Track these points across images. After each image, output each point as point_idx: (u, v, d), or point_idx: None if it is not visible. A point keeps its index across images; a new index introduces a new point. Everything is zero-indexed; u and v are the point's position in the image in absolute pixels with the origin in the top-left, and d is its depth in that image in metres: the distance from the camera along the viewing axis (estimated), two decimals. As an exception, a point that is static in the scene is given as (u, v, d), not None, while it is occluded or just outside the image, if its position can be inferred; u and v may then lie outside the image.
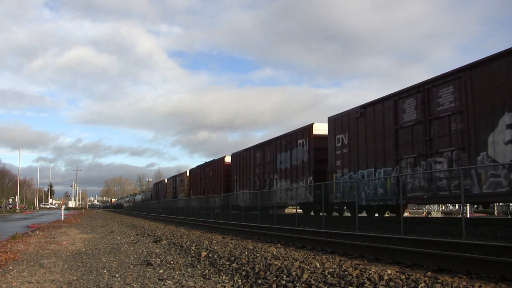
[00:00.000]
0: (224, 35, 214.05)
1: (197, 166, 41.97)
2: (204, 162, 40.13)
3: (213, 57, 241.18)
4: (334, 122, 19.13)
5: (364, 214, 20.82)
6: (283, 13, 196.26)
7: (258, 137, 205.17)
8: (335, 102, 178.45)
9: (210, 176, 37.01)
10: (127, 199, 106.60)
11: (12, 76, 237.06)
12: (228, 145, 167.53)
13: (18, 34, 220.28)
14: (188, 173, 44.94)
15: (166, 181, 57.51)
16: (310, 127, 21.26)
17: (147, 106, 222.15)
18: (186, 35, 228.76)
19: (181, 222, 24.84)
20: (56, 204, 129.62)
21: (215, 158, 36.61)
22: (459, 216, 24.32)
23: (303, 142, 21.67)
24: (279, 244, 11.38)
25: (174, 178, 52.07)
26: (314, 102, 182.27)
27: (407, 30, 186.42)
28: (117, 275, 7.58)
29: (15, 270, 8.16)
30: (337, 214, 23.84)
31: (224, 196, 31.36)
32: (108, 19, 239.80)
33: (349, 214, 21.81)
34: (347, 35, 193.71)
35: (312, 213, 24.35)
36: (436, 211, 53.01)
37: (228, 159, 33.21)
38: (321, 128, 20.90)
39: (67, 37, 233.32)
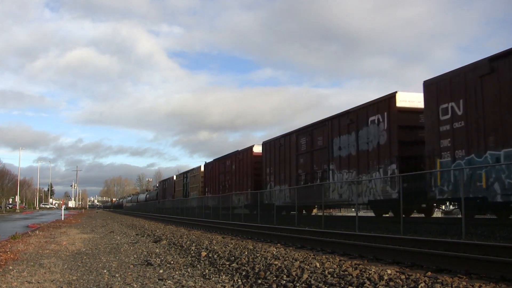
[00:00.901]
0: (224, 35, 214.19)
1: (214, 160, 36.48)
2: (223, 155, 34.45)
3: (213, 57, 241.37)
4: (437, 86, 13.80)
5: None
6: (284, 13, 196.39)
7: (259, 137, 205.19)
8: (336, 102, 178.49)
9: (233, 171, 31.50)
10: (129, 198, 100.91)
11: (13, 76, 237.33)
12: (228, 145, 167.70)
13: (18, 34, 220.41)
14: (202, 168, 39.72)
15: (175, 178, 52.17)
16: (391, 97, 15.94)
17: (147, 106, 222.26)
18: (186, 35, 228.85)
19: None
20: (56, 204, 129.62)
21: (239, 149, 31.09)
22: (459, 216, 24.28)
23: (378, 119, 16.47)
24: (279, 244, 11.38)
25: (184, 175, 46.56)
26: (315, 102, 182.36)
27: (408, 30, 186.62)
28: (117, 275, 7.58)
29: (15, 270, 8.16)
30: (439, 215, 20.04)
31: (252, 194, 26.40)
32: (108, 19, 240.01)
33: (459, 216, 17.16)
34: (348, 35, 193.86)
35: (388, 214, 19.20)
36: (436, 211, 52.93)
37: (257, 149, 27.96)
38: (406, 99, 15.86)
39: (67, 37, 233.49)
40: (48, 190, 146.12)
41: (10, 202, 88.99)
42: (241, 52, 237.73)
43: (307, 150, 21.68)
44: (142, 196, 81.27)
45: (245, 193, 28.10)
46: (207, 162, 38.81)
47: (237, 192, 29.47)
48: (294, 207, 21.30)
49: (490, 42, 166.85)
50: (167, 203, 51.33)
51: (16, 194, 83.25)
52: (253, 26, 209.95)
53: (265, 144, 26.76)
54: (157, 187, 73.32)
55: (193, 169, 43.46)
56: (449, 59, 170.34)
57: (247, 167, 29.05)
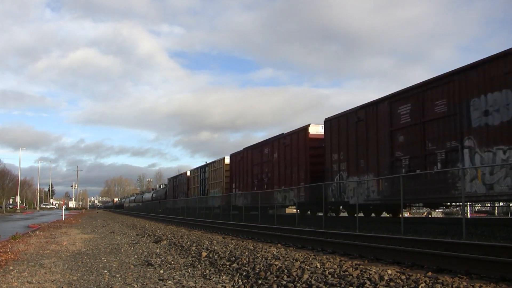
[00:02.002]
0: (225, 35, 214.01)
1: (245, 149, 30.30)
2: (259, 142, 28.39)
3: (213, 57, 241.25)
4: None
5: None
6: (284, 13, 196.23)
7: (260, 137, 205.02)
8: (336, 102, 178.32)
9: (275, 160, 24.92)
10: (132, 198, 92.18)
11: (13, 76, 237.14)
12: (229, 145, 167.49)
13: (19, 34, 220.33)
14: (227, 160, 33.55)
15: (188, 174, 45.81)
16: None
17: (148, 106, 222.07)
18: (187, 36, 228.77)
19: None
20: (57, 204, 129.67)
21: (284, 133, 24.73)
22: (459, 216, 24.29)
23: None
24: (279, 244, 11.39)
25: (202, 169, 40.31)
26: (315, 102, 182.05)
27: (408, 30, 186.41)
28: (117, 275, 7.59)
29: (15, 270, 8.16)
30: None
31: (310, 189, 20.32)
32: (109, 20, 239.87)
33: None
34: (348, 35, 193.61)
35: None
36: (436, 211, 52.96)
37: (315, 129, 21.77)
38: None
39: (68, 37, 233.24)
40: (49, 190, 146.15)
41: (11, 202, 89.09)
42: (242, 52, 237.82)
43: (412, 122, 15.15)
44: (147, 196, 74.08)
45: (298, 188, 21.67)
46: (233, 152, 32.54)
47: (286, 188, 22.90)
48: (385, 206, 16.93)
49: (490, 42, 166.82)
50: (179, 202, 45.02)
51: (17, 195, 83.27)
52: (253, 26, 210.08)
53: (329, 122, 20.15)
54: (165, 185, 64.53)
55: (213, 162, 37.08)
56: (449, 59, 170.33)
57: (299, 154, 22.31)
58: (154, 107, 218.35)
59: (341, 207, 21.51)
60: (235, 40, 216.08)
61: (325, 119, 20.58)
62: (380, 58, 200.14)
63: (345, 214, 22.44)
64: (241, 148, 31.20)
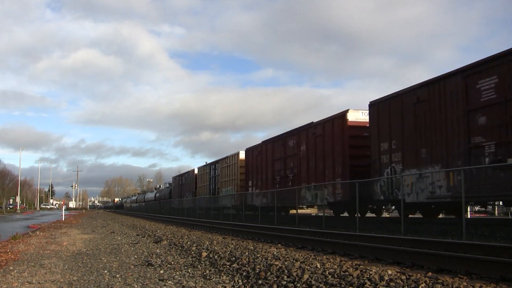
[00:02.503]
0: (225, 35, 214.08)
1: (263, 142, 27.16)
2: (281, 133, 24.96)
3: (214, 57, 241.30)
4: None
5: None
6: (284, 13, 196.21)
7: (260, 137, 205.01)
8: (336, 102, 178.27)
9: (302, 154, 21.71)
10: (134, 198, 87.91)
11: (13, 76, 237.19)
12: (229, 145, 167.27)
13: (19, 34, 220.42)
14: (242, 155, 30.41)
15: (196, 171, 42.20)
16: None
17: (149, 106, 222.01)
18: (187, 36, 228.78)
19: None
20: (57, 205, 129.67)
21: (313, 121, 21.42)
22: (388, 215, 24.15)
23: None
24: (279, 245, 11.38)
25: (212, 166, 37.04)
26: (316, 103, 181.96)
27: (408, 31, 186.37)
28: (117, 276, 7.59)
29: (15, 271, 8.17)
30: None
31: (350, 185, 17.03)
32: (109, 20, 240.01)
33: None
34: (348, 35, 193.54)
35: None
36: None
37: (354, 115, 18.58)
38: None
39: (68, 37, 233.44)
40: (49, 190, 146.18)
41: (11, 202, 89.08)
42: (242, 52, 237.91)
43: (499, 99, 12.03)
44: (150, 195, 69.84)
45: (332, 185, 18.74)
46: (249, 147, 29.46)
47: (317, 185, 19.75)
48: (454, 204, 14.14)
49: (490, 42, 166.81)
50: (186, 202, 41.88)
51: (17, 195, 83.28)
52: (253, 26, 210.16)
53: (376, 106, 16.98)
54: (169, 184, 60.33)
55: (226, 158, 33.72)
56: (449, 59, 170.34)
57: (335, 145, 19.19)
58: (155, 107, 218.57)
59: (393, 206, 18.55)
60: (236, 40, 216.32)
61: (371, 102, 17.33)
62: (380, 58, 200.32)
63: (383, 214, 20.44)
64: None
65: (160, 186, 79.77)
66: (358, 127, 18.56)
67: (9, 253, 10.63)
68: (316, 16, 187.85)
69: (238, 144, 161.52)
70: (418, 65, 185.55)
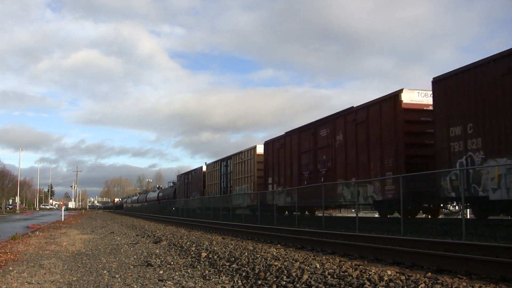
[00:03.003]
0: (225, 35, 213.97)
1: (286, 133, 24.08)
2: (309, 123, 21.77)
3: (214, 57, 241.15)
4: None
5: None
6: (284, 13, 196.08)
7: (261, 137, 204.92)
8: (337, 102, 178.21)
9: (338, 144, 19.05)
10: (135, 197, 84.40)
11: (14, 76, 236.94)
12: (230, 146, 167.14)
13: (19, 34, 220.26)
14: (259, 149, 27.44)
15: (204, 168, 39.08)
16: None
17: (149, 107, 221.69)
18: (187, 36, 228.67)
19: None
20: (56, 205, 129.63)
21: (353, 106, 18.56)
22: (459, 216, 24.19)
23: None
24: (279, 245, 11.38)
25: (223, 162, 33.83)
26: (316, 103, 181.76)
27: (408, 31, 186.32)
28: (117, 276, 7.59)
29: (15, 271, 8.16)
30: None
31: (405, 180, 13.95)
32: (109, 20, 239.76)
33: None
34: (348, 35, 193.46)
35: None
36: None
37: (409, 96, 15.88)
38: None
39: (69, 38, 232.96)
40: (48, 190, 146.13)
41: (10, 202, 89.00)
42: (242, 52, 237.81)
43: None
44: (152, 195, 66.20)
45: (380, 180, 15.98)
46: (268, 140, 26.49)
47: (362, 181, 16.74)
48: None
49: (490, 42, 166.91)
50: (193, 202, 39.08)
51: (16, 195, 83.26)
52: (253, 26, 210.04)
53: (442, 82, 14.22)
54: (173, 183, 56.43)
55: (239, 153, 30.62)
56: (449, 59, 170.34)
57: (384, 132, 16.43)
58: (155, 107, 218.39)
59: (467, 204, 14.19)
60: (236, 40, 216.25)
61: (434, 78, 14.50)
62: (380, 58, 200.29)
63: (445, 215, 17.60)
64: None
65: (160, 186, 78.18)
66: (414, 111, 15.79)
67: (8, 253, 10.62)
68: (316, 16, 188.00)
69: (239, 145, 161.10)
70: (418, 65, 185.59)
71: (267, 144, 26.56)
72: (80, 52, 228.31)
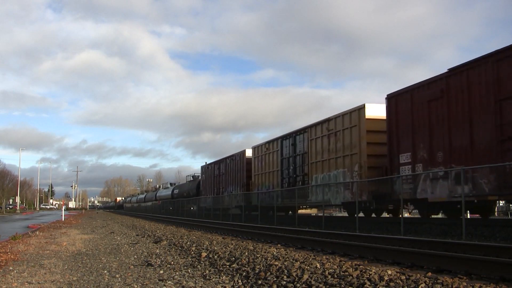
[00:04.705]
0: (226, 36, 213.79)
1: (441, 77, 14.14)
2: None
3: (214, 58, 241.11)
4: None
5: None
6: (285, 14, 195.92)
7: (261, 138, 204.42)
8: (337, 103, 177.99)
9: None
10: (142, 196, 75.12)
11: (14, 77, 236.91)
12: (231, 146, 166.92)
13: (20, 35, 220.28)
14: (376, 110, 17.47)
15: (249, 153, 29.09)
16: None
17: (150, 107, 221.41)
18: (188, 36, 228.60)
19: None
20: (57, 205, 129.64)
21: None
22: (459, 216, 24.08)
23: None
24: (279, 245, 11.39)
25: (289, 139, 23.68)
26: (317, 103, 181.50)
27: (409, 31, 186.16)
28: (117, 276, 7.59)
29: (15, 271, 8.16)
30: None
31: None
32: (110, 20, 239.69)
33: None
34: (349, 36, 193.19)
35: None
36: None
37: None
38: None
39: (69, 38, 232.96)
40: (49, 190, 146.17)
41: (11, 202, 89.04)
42: (243, 52, 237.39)
43: None
44: (164, 193, 55.80)
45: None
46: (391, 92, 16.28)
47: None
48: None
49: (491, 42, 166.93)
50: (230, 199, 29.67)
51: (17, 195, 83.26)
52: (254, 26, 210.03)
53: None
54: (193, 177, 47.15)
55: (325, 122, 20.05)
56: (450, 59, 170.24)
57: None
58: (156, 108, 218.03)
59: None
60: (236, 40, 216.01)
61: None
62: (381, 58, 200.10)
63: None
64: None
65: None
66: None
67: (8, 253, 10.62)
68: (316, 16, 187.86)
69: (240, 145, 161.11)
70: (418, 66, 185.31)
71: (393, 98, 16.26)
72: (81, 52, 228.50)
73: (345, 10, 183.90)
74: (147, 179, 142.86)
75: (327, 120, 20.05)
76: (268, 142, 26.43)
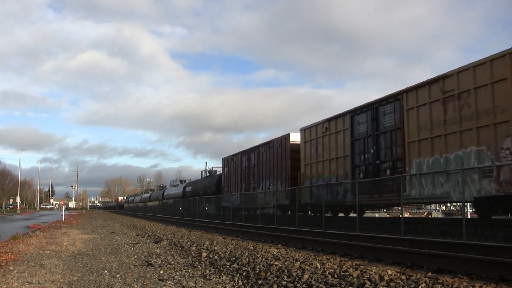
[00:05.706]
0: (227, 36, 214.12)
1: None
2: None
3: (215, 58, 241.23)
4: None
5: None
6: (285, 14, 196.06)
7: (262, 138, 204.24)
8: (337, 103, 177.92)
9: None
10: (146, 195, 69.88)
11: (15, 77, 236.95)
12: (232, 146, 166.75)
13: (20, 35, 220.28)
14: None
15: (297, 137, 22.52)
16: None
17: (151, 107, 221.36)
18: (188, 36, 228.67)
19: None
20: (57, 205, 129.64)
21: None
22: (459, 216, 24.16)
23: None
24: (279, 245, 11.38)
25: (360, 114, 17.83)
26: (317, 104, 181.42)
27: (409, 31, 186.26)
28: (117, 276, 7.59)
29: (15, 271, 8.16)
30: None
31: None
32: (111, 20, 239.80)
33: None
34: (349, 36, 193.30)
35: None
36: (436, 211, 53.07)
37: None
38: None
39: (70, 38, 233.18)
40: (49, 190, 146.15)
41: (11, 202, 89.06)
42: (243, 52, 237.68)
43: None
44: (174, 191, 50.09)
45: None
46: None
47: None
48: None
49: (491, 42, 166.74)
50: (268, 196, 24.19)
51: (17, 195, 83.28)
52: (254, 26, 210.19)
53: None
54: (209, 172, 40.60)
55: (429, 82, 14.38)
56: (450, 59, 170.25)
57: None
58: (157, 108, 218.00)
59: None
60: (237, 40, 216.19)
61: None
62: (381, 58, 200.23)
63: None
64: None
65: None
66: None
67: (9, 253, 10.62)
68: (317, 16, 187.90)
69: (240, 145, 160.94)
70: (419, 66, 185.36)
71: None
72: (81, 52, 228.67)
73: (345, 10, 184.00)
74: (147, 179, 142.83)
75: (442, 78, 14.01)
76: (328, 120, 20.07)
